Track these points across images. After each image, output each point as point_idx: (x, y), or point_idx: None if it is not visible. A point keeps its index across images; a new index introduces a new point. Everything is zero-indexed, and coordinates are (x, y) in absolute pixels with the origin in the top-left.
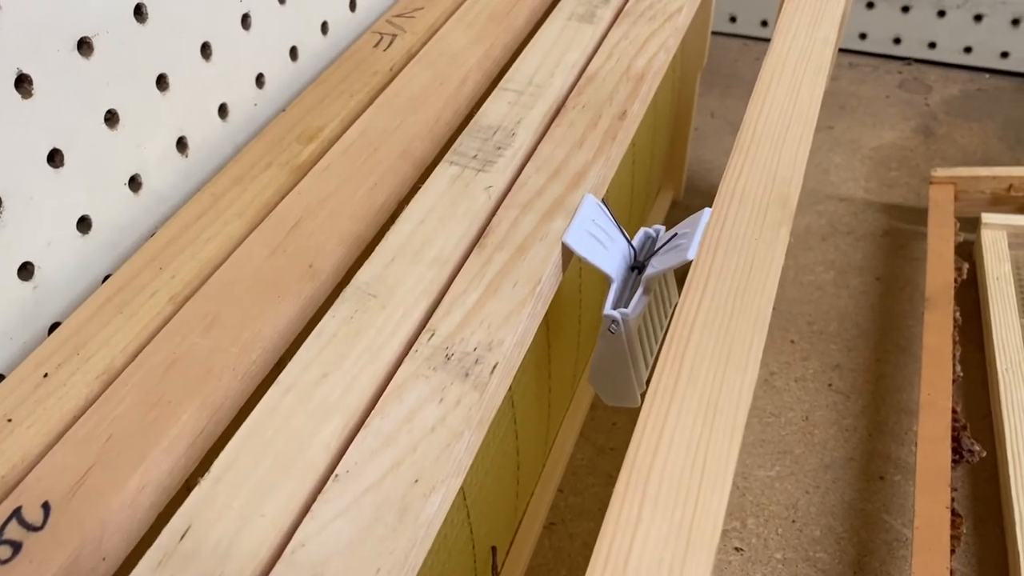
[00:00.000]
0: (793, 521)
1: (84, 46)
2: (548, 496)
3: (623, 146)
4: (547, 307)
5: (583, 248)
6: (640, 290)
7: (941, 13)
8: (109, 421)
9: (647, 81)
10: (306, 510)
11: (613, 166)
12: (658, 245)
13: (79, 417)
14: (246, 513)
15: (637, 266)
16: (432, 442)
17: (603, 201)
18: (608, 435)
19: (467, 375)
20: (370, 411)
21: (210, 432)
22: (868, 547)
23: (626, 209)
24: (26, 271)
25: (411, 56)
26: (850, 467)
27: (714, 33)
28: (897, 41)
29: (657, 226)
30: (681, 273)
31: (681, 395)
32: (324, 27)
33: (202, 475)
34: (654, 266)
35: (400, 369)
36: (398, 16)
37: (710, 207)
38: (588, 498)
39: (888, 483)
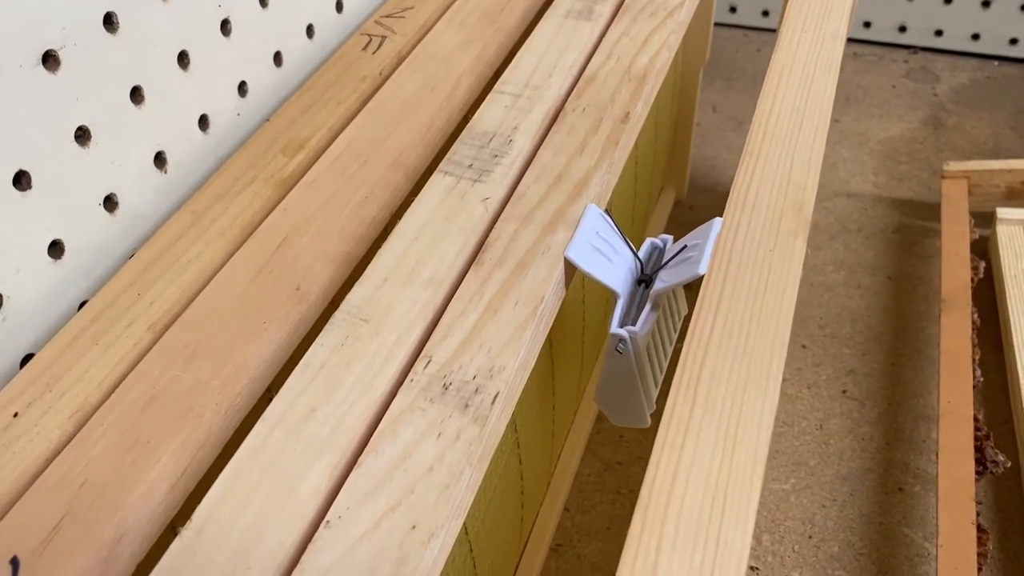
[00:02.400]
0: (810, 537)
1: (50, 60)
2: (554, 516)
3: (626, 150)
4: (550, 326)
5: (587, 263)
6: (648, 306)
7: (947, 0)
8: (83, 465)
9: (650, 81)
10: (295, 562)
11: (616, 172)
12: (666, 257)
13: (51, 461)
14: (231, 567)
15: (644, 279)
16: (430, 483)
17: (607, 210)
18: (615, 448)
19: (467, 406)
20: (363, 448)
21: (193, 472)
22: (889, 563)
23: (628, 213)
24: None
25: (401, 59)
26: (867, 478)
27: (714, 24)
28: (903, 29)
29: (664, 236)
30: (690, 284)
31: (697, 425)
32: (310, 30)
33: (186, 518)
34: (663, 280)
35: (395, 401)
36: (387, 16)
37: (720, 216)
38: (596, 516)
39: (907, 494)
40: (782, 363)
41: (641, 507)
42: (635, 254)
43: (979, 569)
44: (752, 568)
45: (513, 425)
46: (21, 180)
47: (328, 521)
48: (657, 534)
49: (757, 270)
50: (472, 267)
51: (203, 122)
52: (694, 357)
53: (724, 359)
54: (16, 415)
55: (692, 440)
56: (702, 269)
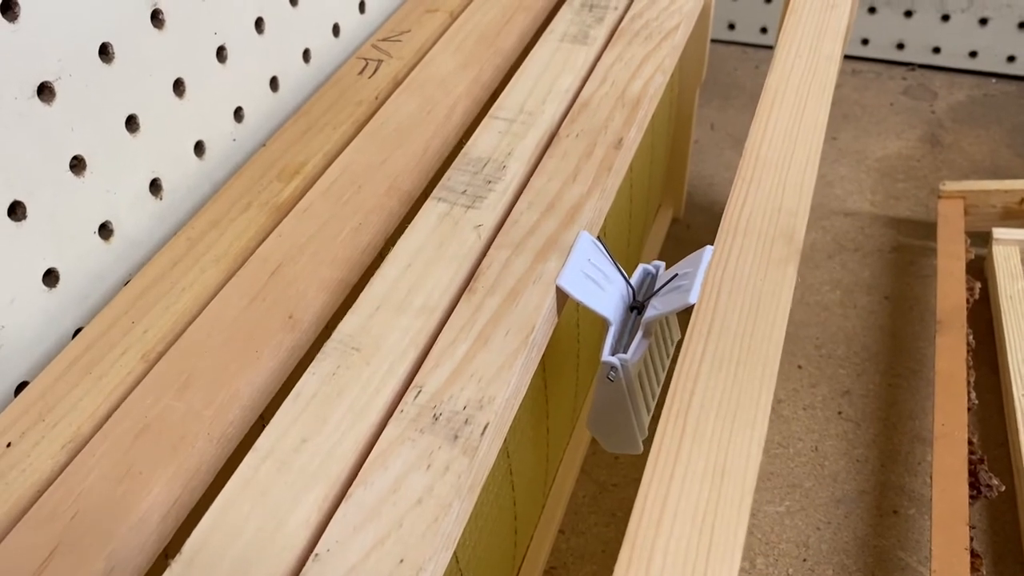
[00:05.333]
0: (804, 560)
1: (45, 91)
2: (548, 539)
3: (619, 176)
4: (542, 354)
5: (579, 291)
6: (640, 333)
7: (945, 17)
8: (75, 496)
9: (643, 106)
10: None
11: (609, 198)
12: (658, 284)
13: (43, 491)
14: None
15: (636, 306)
16: (419, 515)
17: (599, 237)
18: (611, 471)
19: (456, 437)
20: (353, 480)
21: (184, 502)
22: None
23: (624, 234)
24: None
25: (397, 83)
26: (862, 501)
27: (713, 41)
28: (900, 46)
29: (657, 262)
30: (683, 311)
31: (686, 457)
32: (306, 55)
33: (178, 548)
34: (655, 307)
35: (385, 432)
36: (384, 40)
37: (711, 244)
38: (590, 539)
39: (902, 517)
40: (771, 393)
41: (629, 540)
42: (627, 281)
43: None
44: None
45: (505, 452)
46: (16, 210)
47: (317, 554)
48: (644, 568)
49: (747, 299)
50: (464, 295)
51: (199, 148)
52: (683, 387)
53: (714, 389)
54: (9, 445)
55: (681, 472)
56: (692, 298)
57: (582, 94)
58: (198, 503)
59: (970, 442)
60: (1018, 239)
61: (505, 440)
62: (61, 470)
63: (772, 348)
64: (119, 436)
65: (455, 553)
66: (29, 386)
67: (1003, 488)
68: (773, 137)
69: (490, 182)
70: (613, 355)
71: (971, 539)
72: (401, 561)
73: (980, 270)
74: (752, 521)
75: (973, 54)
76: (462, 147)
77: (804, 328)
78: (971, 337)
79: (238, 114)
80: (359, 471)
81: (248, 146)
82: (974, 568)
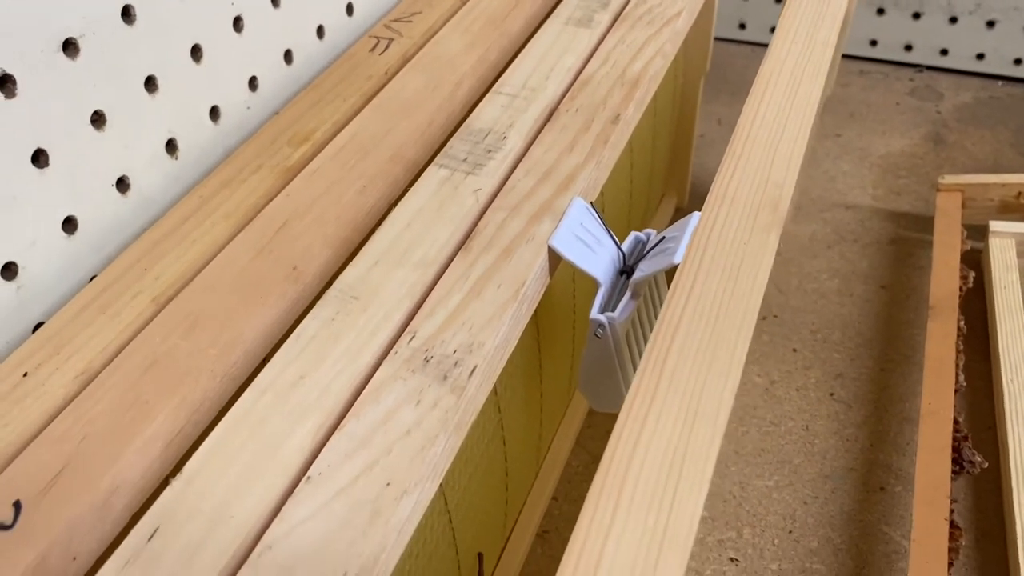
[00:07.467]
0: (790, 532)
1: (70, 47)
2: (541, 504)
3: (616, 150)
4: (533, 310)
5: (570, 251)
6: (628, 294)
7: (953, 20)
8: (85, 421)
9: (642, 86)
10: (276, 512)
11: (605, 170)
12: (647, 249)
13: (55, 417)
14: (216, 515)
15: (626, 270)
16: (407, 445)
17: (593, 205)
18: (604, 443)
19: (445, 378)
20: (346, 413)
21: (187, 433)
22: (866, 559)
23: (624, 213)
24: (10, 271)
25: (406, 60)
26: (850, 477)
27: (723, 40)
28: (908, 48)
29: (648, 230)
30: (669, 272)
31: (662, 398)
32: (320, 31)
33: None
34: (642, 270)
35: (378, 371)
36: (396, 21)
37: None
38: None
39: (888, 494)
40: (746, 345)
41: (602, 472)
42: (618, 245)
43: (950, 564)
44: (732, 560)
45: (496, 406)
46: (39, 158)
47: (309, 477)
48: (615, 497)
49: (730, 260)
50: (460, 252)
51: (214, 113)
52: (664, 336)
53: (692, 340)
54: (25, 375)
55: (656, 411)
56: (677, 258)
57: (583, 73)
58: (200, 437)
59: (956, 421)
60: (1014, 232)
61: (497, 394)
62: (73, 398)
63: (750, 305)
64: (128, 370)
65: (443, 492)
66: (46, 323)
67: (986, 465)
68: (765, 114)
69: (490, 151)
70: (601, 313)
71: (951, 511)
72: (388, 484)
73: (976, 262)
74: (741, 494)
75: (980, 56)
76: (465, 122)
77: (801, 314)
78: (963, 323)
79: (253, 83)
80: (352, 406)
81: (261, 115)
82: (953, 539)
